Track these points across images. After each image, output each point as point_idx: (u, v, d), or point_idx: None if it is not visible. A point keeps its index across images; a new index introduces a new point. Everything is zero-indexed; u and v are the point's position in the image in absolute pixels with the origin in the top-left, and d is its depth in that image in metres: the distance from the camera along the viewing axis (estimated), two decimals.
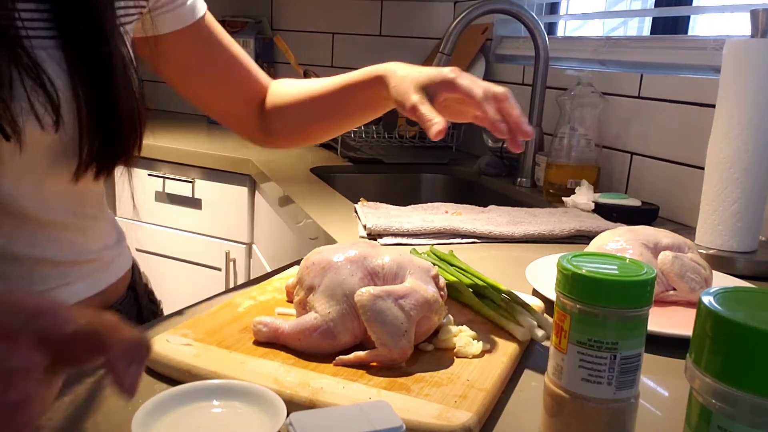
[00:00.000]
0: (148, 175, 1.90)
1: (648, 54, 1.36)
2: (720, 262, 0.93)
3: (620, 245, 0.79)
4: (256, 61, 2.24)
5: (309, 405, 0.50)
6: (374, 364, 0.56)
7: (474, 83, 0.68)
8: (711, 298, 0.36)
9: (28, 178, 0.62)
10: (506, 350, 0.60)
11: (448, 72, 0.69)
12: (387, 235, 1.01)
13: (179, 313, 0.70)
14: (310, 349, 0.57)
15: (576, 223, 1.09)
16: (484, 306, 0.69)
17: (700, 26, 1.45)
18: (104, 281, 0.74)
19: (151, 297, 0.88)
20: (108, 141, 0.63)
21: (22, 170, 0.61)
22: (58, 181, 0.64)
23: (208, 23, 0.83)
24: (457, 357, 0.59)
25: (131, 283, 0.82)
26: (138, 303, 0.83)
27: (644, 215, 1.18)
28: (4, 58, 0.54)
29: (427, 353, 0.59)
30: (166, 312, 0.89)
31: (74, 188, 0.66)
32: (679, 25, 1.45)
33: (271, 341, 0.59)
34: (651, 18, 1.52)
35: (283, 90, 0.90)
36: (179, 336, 0.59)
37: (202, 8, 0.82)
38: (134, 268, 0.84)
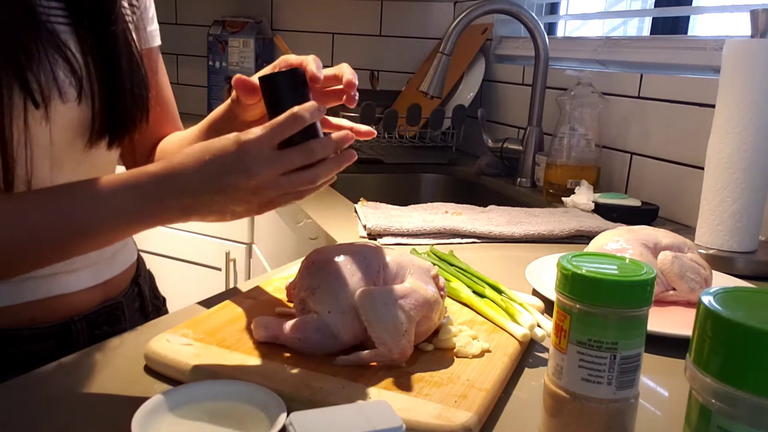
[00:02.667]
0: None
1: (648, 54, 1.36)
2: (720, 262, 0.93)
3: (620, 245, 0.80)
4: (256, 61, 2.25)
5: (309, 405, 0.50)
6: (374, 364, 0.56)
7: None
8: (711, 298, 0.36)
9: (46, 156, 0.65)
10: (506, 350, 0.60)
11: (287, 56, 0.69)
12: (387, 235, 1.01)
13: (179, 313, 0.70)
14: (310, 349, 0.57)
15: (576, 223, 1.09)
16: (484, 306, 0.69)
17: (699, 26, 1.45)
18: (108, 272, 0.76)
19: (156, 293, 0.89)
20: (118, 111, 0.69)
21: (44, 146, 0.64)
22: (75, 158, 0.68)
23: (158, 56, 0.87)
24: (457, 357, 0.59)
25: (135, 277, 0.83)
26: (142, 297, 0.84)
27: (644, 215, 1.18)
28: (32, 36, 0.61)
29: (427, 353, 0.59)
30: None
31: (90, 173, 0.69)
32: (678, 25, 1.45)
33: (271, 341, 0.59)
34: (651, 18, 1.52)
35: (170, 138, 0.88)
36: (179, 336, 0.59)
37: (158, 39, 0.87)
38: (139, 262, 0.86)
